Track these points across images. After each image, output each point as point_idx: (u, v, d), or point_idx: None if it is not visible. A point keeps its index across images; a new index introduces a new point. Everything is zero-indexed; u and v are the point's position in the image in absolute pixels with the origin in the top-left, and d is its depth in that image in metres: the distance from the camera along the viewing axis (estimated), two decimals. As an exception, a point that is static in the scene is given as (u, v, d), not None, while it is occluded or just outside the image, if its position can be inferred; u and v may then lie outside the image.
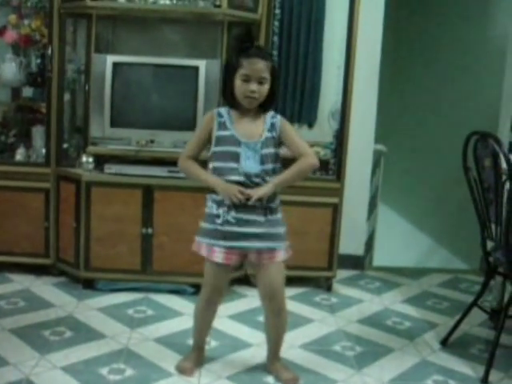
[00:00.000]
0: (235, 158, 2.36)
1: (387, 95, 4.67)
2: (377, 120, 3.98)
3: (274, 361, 2.63)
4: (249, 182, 2.36)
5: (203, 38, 3.66)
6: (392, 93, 5.80)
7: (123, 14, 3.44)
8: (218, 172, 2.39)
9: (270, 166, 2.39)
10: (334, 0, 3.66)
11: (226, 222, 2.38)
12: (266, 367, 2.64)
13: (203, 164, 2.48)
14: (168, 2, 3.36)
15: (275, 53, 3.55)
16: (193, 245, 2.51)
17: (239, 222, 2.38)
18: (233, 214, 2.37)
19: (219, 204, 2.40)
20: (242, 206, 2.35)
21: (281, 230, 2.45)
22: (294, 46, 3.60)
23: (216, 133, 2.39)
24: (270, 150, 2.39)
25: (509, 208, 2.63)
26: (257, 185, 2.37)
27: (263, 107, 2.41)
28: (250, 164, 2.36)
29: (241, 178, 2.36)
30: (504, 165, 2.61)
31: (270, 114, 2.43)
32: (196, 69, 3.34)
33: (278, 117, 2.44)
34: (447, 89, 5.09)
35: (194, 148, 2.47)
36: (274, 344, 2.62)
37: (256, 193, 2.34)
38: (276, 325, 2.57)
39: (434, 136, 5.29)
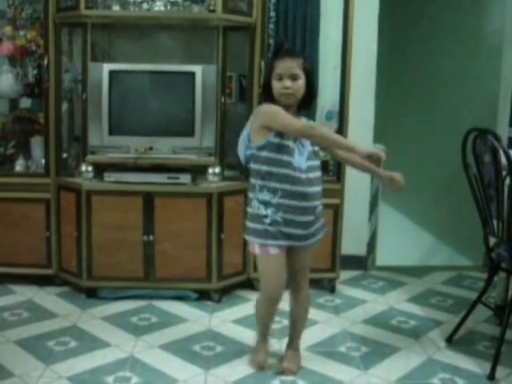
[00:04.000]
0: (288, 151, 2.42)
1: (385, 93, 4.67)
2: (375, 119, 3.98)
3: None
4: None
5: (199, 43, 3.66)
6: (390, 91, 5.80)
7: (118, 22, 3.44)
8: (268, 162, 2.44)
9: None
10: (329, 0, 3.66)
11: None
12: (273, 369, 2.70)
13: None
14: (162, 9, 3.37)
15: (270, 56, 3.54)
16: None
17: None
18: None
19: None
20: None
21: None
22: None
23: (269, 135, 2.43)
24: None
25: (510, 203, 2.63)
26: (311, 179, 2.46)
27: (301, 106, 2.49)
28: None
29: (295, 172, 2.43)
30: (504, 160, 2.61)
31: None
32: (193, 74, 3.34)
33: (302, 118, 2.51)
34: (445, 85, 5.08)
35: None
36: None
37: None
38: None
39: (433, 133, 5.29)
